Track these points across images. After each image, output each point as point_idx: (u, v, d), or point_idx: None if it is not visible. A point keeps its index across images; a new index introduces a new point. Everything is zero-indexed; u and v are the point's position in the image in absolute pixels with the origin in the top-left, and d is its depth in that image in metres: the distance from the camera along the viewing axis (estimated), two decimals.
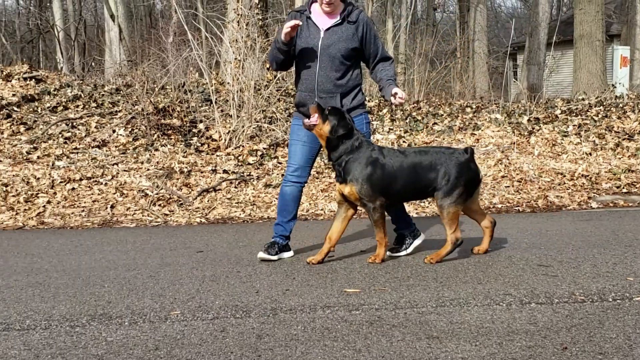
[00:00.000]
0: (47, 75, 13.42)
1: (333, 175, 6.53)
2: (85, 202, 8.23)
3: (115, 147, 9.98)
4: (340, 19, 5.40)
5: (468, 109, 12.63)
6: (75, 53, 21.69)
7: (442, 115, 12.13)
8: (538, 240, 6.19)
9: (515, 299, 4.23)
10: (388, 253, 5.53)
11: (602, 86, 16.31)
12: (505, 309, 4.04)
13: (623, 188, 8.96)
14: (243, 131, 10.10)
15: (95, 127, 10.56)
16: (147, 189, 8.47)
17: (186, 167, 9.13)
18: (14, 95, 11.64)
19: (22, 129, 10.46)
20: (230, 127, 10.22)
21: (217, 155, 9.74)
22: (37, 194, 8.33)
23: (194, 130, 10.51)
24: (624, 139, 10.81)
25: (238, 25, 10.78)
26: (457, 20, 29.78)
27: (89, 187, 8.59)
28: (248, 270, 5.23)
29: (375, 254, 5.39)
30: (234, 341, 3.58)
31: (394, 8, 23.50)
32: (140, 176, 8.85)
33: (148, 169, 9.08)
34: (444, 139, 10.78)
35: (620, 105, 12.85)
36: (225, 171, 9.13)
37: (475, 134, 11.08)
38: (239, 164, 9.45)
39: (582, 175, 9.30)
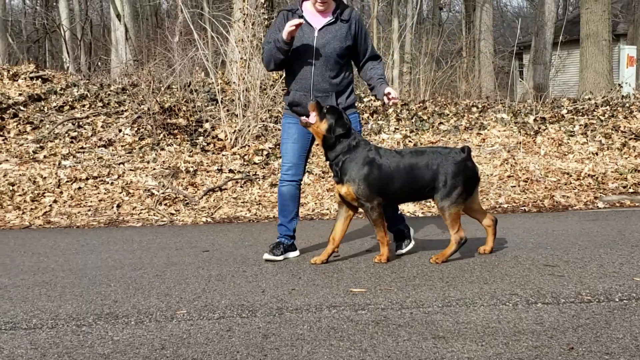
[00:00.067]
0: (54, 74, 13.45)
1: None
2: (91, 202, 8.25)
3: (122, 146, 10.00)
4: (334, 17, 5.39)
5: (474, 109, 12.61)
6: (81, 52, 21.72)
7: (448, 114, 12.12)
8: (544, 240, 6.17)
9: (521, 299, 4.22)
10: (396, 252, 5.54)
11: (608, 86, 16.26)
12: (511, 309, 4.03)
13: (629, 188, 8.94)
14: (249, 131, 10.11)
15: (101, 127, 10.58)
16: (153, 189, 8.48)
17: (192, 167, 9.14)
18: (20, 94, 11.67)
19: (28, 128, 10.49)
20: (236, 127, 10.23)
21: (223, 155, 9.75)
22: (44, 193, 8.35)
23: (199, 129, 10.52)
24: (630, 139, 10.78)
25: (244, 24, 10.79)
26: (463, 20, 29.77)
27: (95, 186, 8.61)
28: (254, 269, 5.23)
29: (380, 253, 5.39)
30: (240, 340, 3.58)
31: (399, 7, 23.46)
32: (146, 175, 8.86)
33: (154, 169, 9.09)
34: (450, 139, 10.77)
35: (627, 105, 12.80)
36: (231, 171, 9.14)
37: (481, 134, 11.06)
38: (245, 163, 9.46)
39: (589, 175, 9.27)
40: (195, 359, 3.34)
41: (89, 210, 8.03)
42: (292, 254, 5.65)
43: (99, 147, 9.92)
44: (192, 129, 10.48)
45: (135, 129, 10.50)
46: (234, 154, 9.77)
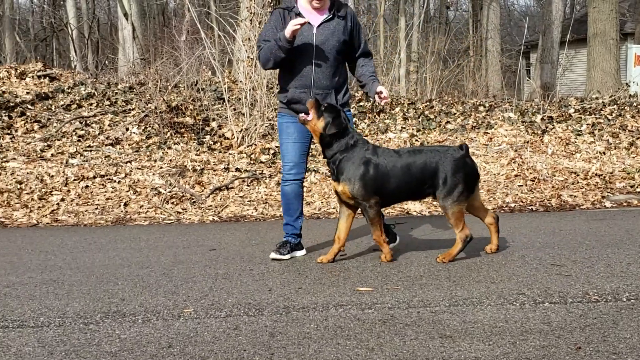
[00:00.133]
0: (61, 73, 13.50)
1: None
2: (98, 200, 8.27)
3: (129, 145, 10.02)
4: (330, 14, 5.39)
5: (481, 108, 12.59)
6: (88, 51, 21.76)
7: (455, 113, 12.10)
8: (551, 239, 6.16)
9: (528, 299, 4.22)
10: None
11: (616, 85, 16.22)
12: (518, 309, 4.03)
13: (637, 187, 8.91)
14: (255, 129, 10.11)
15: (108, 125, 10.60)
16: (160, 187, 8.49)
17: (199, 165, 9.16)
18: (28, 93, 11.71)
19: (36, 126, 10.52)
20: (242, 126, 10.24)
21: (230, 154, 9.76)
22: (51, 191, 8.37)
23: (206, 128, 10.54)
24: (637, 138, 10.74)
25: (251, 23, 10.79)
26: (470, 19, 29.73)
27: (103, 184, 8.63)
28: (261, 268, 5.24)
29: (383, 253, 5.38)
30: (246, 339, 3.59)
31: (406, 6, 23.45)
32: (153, 174, 8.88)
33: (161, 167, 9.11)
34: (456, 138, 10.75)
35: (634, 104, 12.77)
36: (237, 169, 9.15)
37: (488, 133, 11.04)
38: (252, 162, 9.47)
39: (596, 174, 9.25)
40: (202, 357, 3.35)
41: (96, 208, 8.05)
42: (299, 253, 5.65)
43: (106, 145, 9.94)
44: (199, 128, 10.49)
45: (143, 127, 10.52)
46: (241, 152, 9.78)
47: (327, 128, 5.09)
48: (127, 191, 8.46)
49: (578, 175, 9.22)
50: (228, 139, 10.23)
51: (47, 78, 12.73)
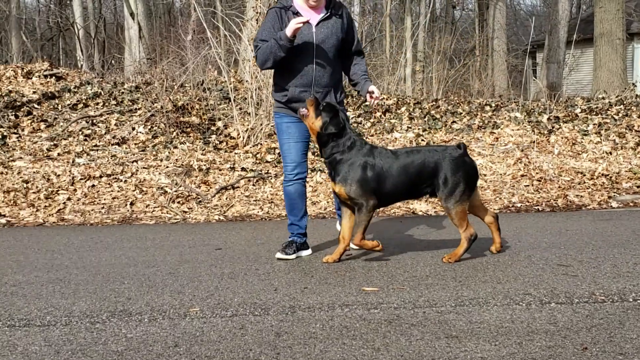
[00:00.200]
0: (67, 72, 13.52)
1: None
2: (105, 199, 8.28)
3: (135, 144, 10.04)
4: (328, 12, 5.40)
5: (487, 108, 12.56)
6: (95, 51, 21.80)
7: (461, 113, 12.08)
8: (558, 239, 6.15)
9: (535, 299, 4.21)
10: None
11: (622, 85, 16.16)
12: (525, 309, 4.02)
13: None
14: (261, 129, 10.12)
15: (115, 125, 10.62)
16: (166, 186, 8.51)
17: (205, 165, 9.17)
18: (34, 92, 11.74)
19: (42, 126, 10.54)
20: (248, 125, 10.25)
21: (236, 153, 9.77)
22: (58, 190, 8.39)
23: (212, 128, 10.55)
24: None
25: (257, 23, 10.79)
26: (476, 18, 29.63)
27: (109, 184, 8.65)
28: (266, 267, 5.24)
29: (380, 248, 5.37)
30: (252, 338, 3.59)
31: (412, 5, 23.45)
32: (160, 173, 8.89)
33: (167, 167, 9.13)
34: (462, 138, 10.74)
35: None
36: (243, 169, 9.16)
37: (494, 133, 11.03)
38: (257, 161, 9.47)
39: (602, 174, 9.23)
40: (209, 357, 3.35)
41: (103, 207, 8.07)
42: (305, 253, 5.65)
43: (112, 145, 9.96)
44: (205, 127, 10.50)
45: (149, 127, 10.54)
46: (247, 152, 9.79)
47: (325, 127, 5.09)
48: (134, 190, 8.47)
49: (584, 175, 9.20)
50: (234, 138, 10.24)
51: (54, 77, 12.75)
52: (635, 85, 15.60)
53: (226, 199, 8.38)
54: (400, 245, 6.01)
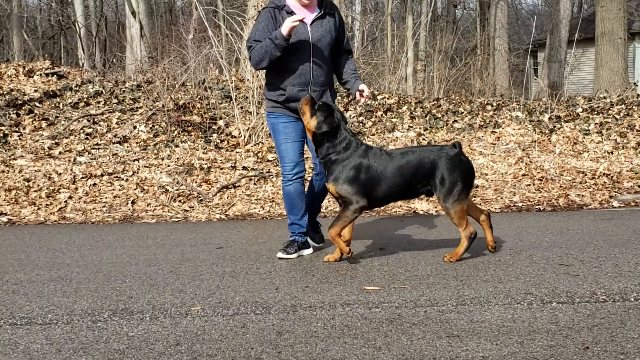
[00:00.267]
0: (69, 71, 13.54)
1: None
2: (106, 198, 8.29)
3: (136, 143, 10.04)
4: (321, 11, 5.41)
5: (488, 107, 12.55)
6: (96, 49, 21.80)
7: (462, 112, 12.07)
8: (559, 239, 6.15)
9: (536, 298, 4.21)
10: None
11: (623, 84, 16.16)
12: (526, 308, 4.02)
13: None
14: (262, 128, 10.12)
15: (116, 123, 10.63)
16: (168, 185, 8.51)
17: (206, 164, 9.17)
18: (35, 91, 11.75)
19: (43, 124, 10.55)
20: (249, 124, 10.25)
21: (237, 152, 9.77)
22: (59, 189, 8.40)
23: (213, 126, 10.55)
24: None
25: None
26: (478, 17, 29.67)
27: (110, 182, 8.65)
28: (267, 266, 5.24)
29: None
30: (254, 337, 3.59)
31: (414, 5, 23.43)
32: (161, 172, 8.90)
33: (168, 165, 9.13)
34: (464, 137, 10.73)
35: None
36: (244, 168, 9.16)
37: (495, 132, 11.02)
38: (258, 160, 9.47)
39: (604, 174, 9.22)
40: (210, 355, 3.35)
41: (104, 206, 8.07)
42: (306, 252, 5.65)
43: (113, 143, 9.96)
44: (206, 126, 10.50)
45: (150, 125, 10.54)
46: (248, 151, 9.79)
47: (319, 126, 5.08)
48: (135, 189, 8.48)
49: (586, 174, 9.19)
50: (235, 137, 10.24)
51: (55, 76, 12.76)
52: (637, 85, 15.57)
53: (227, 197, 8.38)
54: (402, 244, 6.01)
